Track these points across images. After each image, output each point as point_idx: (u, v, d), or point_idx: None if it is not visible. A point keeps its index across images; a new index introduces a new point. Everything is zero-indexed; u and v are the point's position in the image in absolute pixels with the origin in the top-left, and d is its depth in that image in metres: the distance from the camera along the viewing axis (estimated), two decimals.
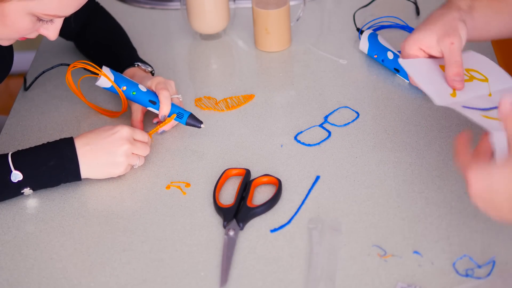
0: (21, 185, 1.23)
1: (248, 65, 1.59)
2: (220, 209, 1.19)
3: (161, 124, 1.33)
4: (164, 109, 1.33)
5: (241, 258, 1.13)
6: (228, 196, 1.24)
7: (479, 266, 1.08)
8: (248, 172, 1.26)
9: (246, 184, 1.24)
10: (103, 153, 1.24)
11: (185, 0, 1.60)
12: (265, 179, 1.25)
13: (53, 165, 1.23)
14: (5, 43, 1.24)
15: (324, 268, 1.10)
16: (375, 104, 1.40)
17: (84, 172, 1.25)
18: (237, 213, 1.19)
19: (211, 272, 1.12)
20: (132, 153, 1.26)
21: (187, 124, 1.34)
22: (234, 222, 1.17)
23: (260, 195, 1.23)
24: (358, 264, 1.10)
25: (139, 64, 1.44)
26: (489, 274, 1.06)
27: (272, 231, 1.17)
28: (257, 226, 1.18)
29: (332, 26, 1.66)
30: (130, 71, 1.43)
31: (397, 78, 1.46)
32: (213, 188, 1.24)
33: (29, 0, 1.14)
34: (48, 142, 1.26)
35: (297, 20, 1.62)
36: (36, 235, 1.20)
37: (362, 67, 1.51)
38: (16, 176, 1.22)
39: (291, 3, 1.64)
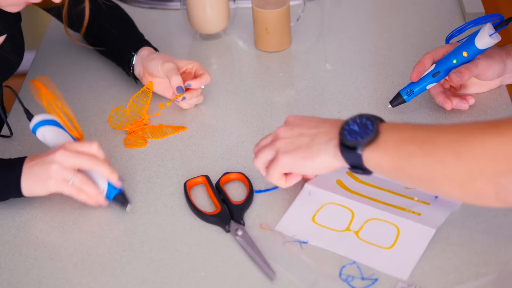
0: None
1: (248, 65, 1.59)
2: (214, 217, 1.19)
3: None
4: (196, 84, 1.39)
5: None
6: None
7: (479, 267, 1.08)
8: (208, 178, 1.26)
9: (217, 187, 1.24)
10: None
11: (185, 0, 1.60)
12: (231, 176, 1.26)
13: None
14: (14, 10, 1.24)
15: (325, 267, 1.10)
16: (375, 104, 1.40)
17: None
18: (231, 214, 1.19)
19: (211, 272, 1.12)
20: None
21: (113, 199, 1.21)
22: (233, 222, 1.17)
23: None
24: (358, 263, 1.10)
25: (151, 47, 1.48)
26: (488, 275, 1.06)
27: (256, 192, 1.22)
28: (257, 220, 1.18)
29: (332, 26, 1.66)
30: (146, 50, 1.45)
31: (397, 78, 1.46)
32: (191, 205, 1.23)
33: None
34: None
35: (297, 20, 1.62)
36: (36, 235, 1.20)
37: (362, 67, 1.51)
38: None
39: (291, 3, 1.64)
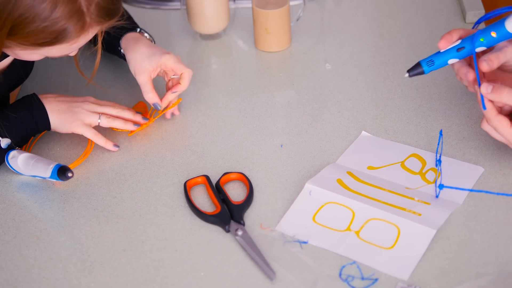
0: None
1: (248, 65, 1.59)
2: (214, 217, 1.19)
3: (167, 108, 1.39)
4: (183, 88, 1.38)
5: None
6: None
7: (479, 267, 1.08)
8: (208, 178, 1.26)
9: (217, 187, 1.24)
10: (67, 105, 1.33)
11: (185, 0, 1.60)
12: (231, 176, 1.26)
13: (23, 114, 1.29)
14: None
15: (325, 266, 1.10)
16: (375, 104, 1.40)
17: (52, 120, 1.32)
18: (231, 214, 1.19)
19: (211, 272, 1.12)
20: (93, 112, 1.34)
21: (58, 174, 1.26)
22: (233, 222, 1.17)
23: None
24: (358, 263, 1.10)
25: (142, 30, 1.45)
26: (488, 275, 1.06)
27: None
28: (257, 220, 1.18)
29: (332, 26, 1.66)
30: (133, 35, 1.42)
31: (397, 78, 1.46)
32: (191, 205, 1.23)
33: (31, 50, 1.14)
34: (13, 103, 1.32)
35: (297, 20, 1.62)
36: (36, 235, 1.20)
37: (362, 67, 1.51)
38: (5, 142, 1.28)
39: (291, 3, 1.64)
